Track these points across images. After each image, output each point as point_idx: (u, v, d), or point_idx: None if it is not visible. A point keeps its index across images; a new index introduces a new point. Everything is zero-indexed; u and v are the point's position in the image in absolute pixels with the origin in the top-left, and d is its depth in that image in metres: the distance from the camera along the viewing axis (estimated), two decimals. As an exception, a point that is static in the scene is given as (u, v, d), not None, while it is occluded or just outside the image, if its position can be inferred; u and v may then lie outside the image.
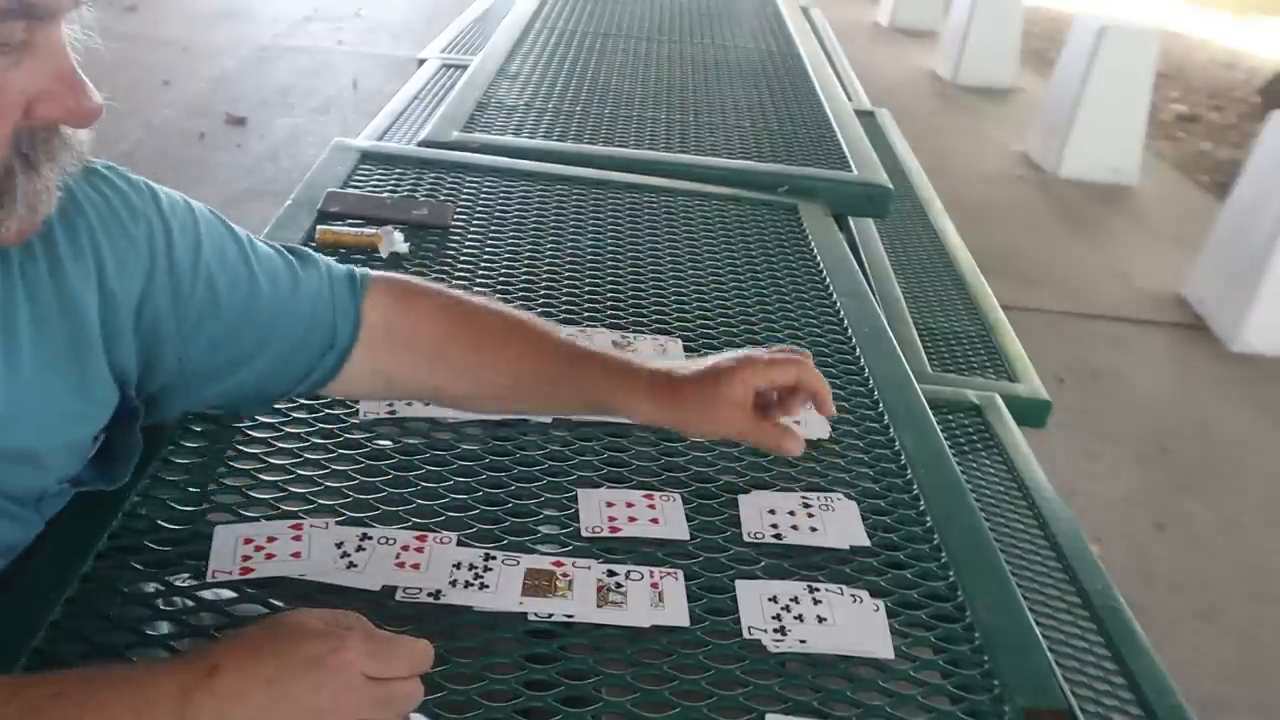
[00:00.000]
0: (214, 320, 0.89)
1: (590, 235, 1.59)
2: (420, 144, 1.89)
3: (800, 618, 0.89)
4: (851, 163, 1.99)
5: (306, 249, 0.99)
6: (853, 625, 0.89)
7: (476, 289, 1.39)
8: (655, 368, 0.99)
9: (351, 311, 0.97)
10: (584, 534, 0.97)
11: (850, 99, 2.79)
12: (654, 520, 0.99)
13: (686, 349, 1.30)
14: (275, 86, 5.56)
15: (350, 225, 1.49)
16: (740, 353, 0.98)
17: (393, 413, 1.11)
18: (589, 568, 0.92)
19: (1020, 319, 2.58)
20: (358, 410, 1.10)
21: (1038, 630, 0.94)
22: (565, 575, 0.91)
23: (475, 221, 1.59)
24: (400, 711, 0.70)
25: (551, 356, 1.00)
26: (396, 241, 1.44)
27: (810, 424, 1.18)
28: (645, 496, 1.02)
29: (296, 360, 0.95)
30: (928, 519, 1.05)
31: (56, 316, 0.79)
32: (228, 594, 0.86)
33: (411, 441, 1.07)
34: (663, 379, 0.97)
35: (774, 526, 1.00)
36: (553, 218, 1.64)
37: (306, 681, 0.66)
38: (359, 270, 1.00)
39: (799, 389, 0.96)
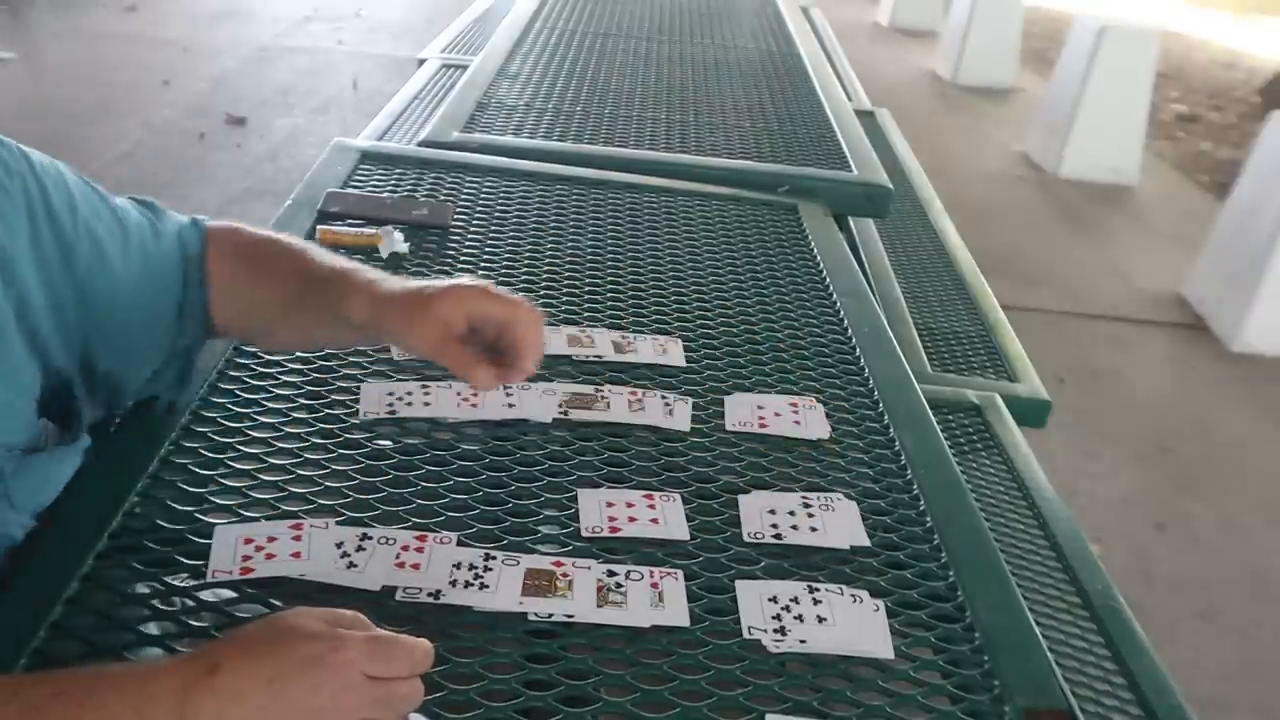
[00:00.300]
0: (105, 275, 0.93)
1: (590, 235, 1.59)
2: (420, 144, 1.89)
3: (800, 618, 0.89)
4: (851, 163, 1.99)
5: (152, 199, 1.04)
6: (853, 625, 0.89)
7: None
8: (393, 280, 0.99)
9: (200, 254, 1.02)
10: (584, 534, 0.97)
11: (850, 99, 2.79)
12: (654, 520, 0.99)
13: (686, 349, 1.30)
14: (275, 86, 5.56)
15: (350, 225, 1.49)
16: (474, 280, 0.98)
17: (393, 413, 1.11)
18: (589, 568, 0.92)
19: (1020, 319, 2.58)
20: (358, 410, 1.10)
21: (1038, 630, 0.94)
22: (565, 575, 0.91)
23: (475, 221, 1.59)
24: (400, 711, 0.70)
25: (304, 271, 1.02)
26: (396, 241, 1.44)
27: (810, 424, 1.18)
28: (645, 496, 1.02)
29: (170, 306, 1.00)
30: (928, 519, 1.05)
31: None
32: (228, 594, 0.86)
33: (411, 441, 1.07)
34: (387, 287, 0.98)
35: (774, 526, 1.00)
36: (553, 218, 1.64)
37: (306, 681, 0.66)
38: (197, 216, 1.07)
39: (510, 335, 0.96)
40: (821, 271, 1.56)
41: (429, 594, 0.87)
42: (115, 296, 0.94)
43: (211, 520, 0.93)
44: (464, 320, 0.94)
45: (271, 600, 0.85)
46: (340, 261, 1.02)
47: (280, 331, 1.07)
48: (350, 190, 1.63)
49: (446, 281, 0.97)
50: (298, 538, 0.90)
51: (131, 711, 0.64)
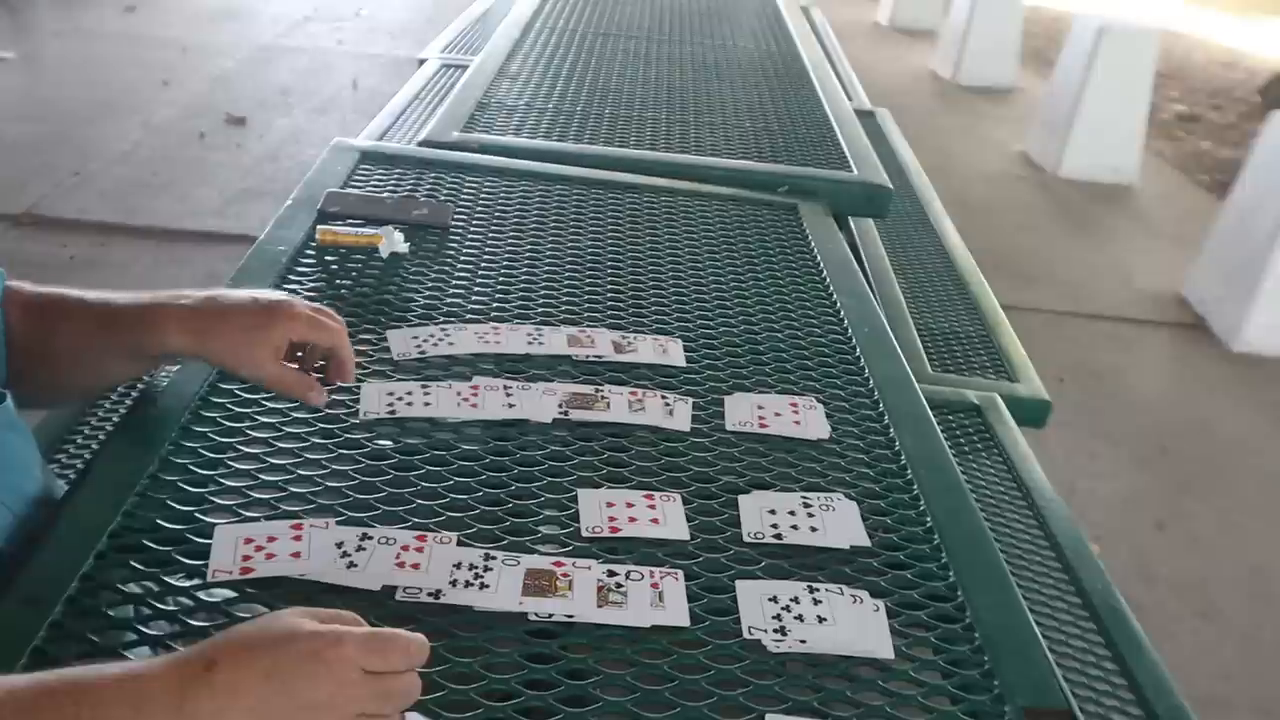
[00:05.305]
0: None
1: (590, 235, 1.59)
2: (420, 144, 1.89)
3: (800, 618, 0.89)
4: (851, 163, 1.99)
5: None
6: (853, 625, 0.89)
7: (477, 289, 1.39)
8: (197, 298, 1.00)
9: None
10: (584, 534, 0.97)
11: (850, 99, 2.79)
12: (654, 520, 0.99)
13: (687, 349, 1.30)
14: (275, 86, 5.56)
15: (350, 225, 1.49)
16: (281, 297, 1.01)
17: (393, 413, 1.11)
18: (589, 568, 0.92)
19: (1020, 319, 2.58)
20: (358, 410, 1.10)
21: (1038, 630, 0.94)
22: (565, 575, 0.91)
23: (475, 221, 1.59)
24: (398, 706, 0.70)
25: (101, 307, 1.01)
26: (396, 241, 1.44)
27: (810, 424, 1.18)
28: (645, 496, 1.02)
29: None
30: (928, 519, 1.05)
31: None
32: (228, 594, 0.86)
33: (411, 441, 1.07)
34: (200, 314, 0.98)
35: (774, 526, 1.00)
36: (553, 218, 1.64)
37: (304, 675, 0.66)
38: None
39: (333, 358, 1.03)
40: (821, 271, 1.56)
41: (429, 594, 0.87)
42: None
43: (211, 520, 0.93)
44: (287, 346, 0.99)
45: (271, 600, 0.85)
46: (143, 295, 1.01)
47: (77, 377, 1.05)
48: (350, 190, 1.63)
49: (262, 300, 0.99)
50: (298, 538, 0.90)
51: (130, 709, 0.63)
